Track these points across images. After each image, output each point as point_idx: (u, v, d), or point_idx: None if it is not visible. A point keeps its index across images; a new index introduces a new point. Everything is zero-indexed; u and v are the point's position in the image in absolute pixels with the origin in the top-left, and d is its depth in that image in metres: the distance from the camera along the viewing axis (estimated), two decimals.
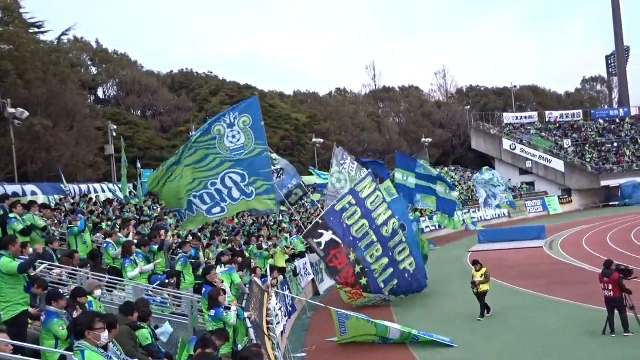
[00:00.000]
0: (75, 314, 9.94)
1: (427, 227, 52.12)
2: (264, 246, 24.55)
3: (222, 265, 15.52)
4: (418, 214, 49.30)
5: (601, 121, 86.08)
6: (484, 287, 19.91)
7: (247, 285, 15.40)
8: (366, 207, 23.75)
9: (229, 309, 11.73)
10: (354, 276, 22.99)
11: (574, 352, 14.92)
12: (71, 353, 6.97)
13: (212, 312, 11.53)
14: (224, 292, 12.47)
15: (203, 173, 16.63)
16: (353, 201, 23.60)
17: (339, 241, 22.91)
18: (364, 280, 23.14)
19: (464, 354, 15.75)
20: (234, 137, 16.76)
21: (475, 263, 20.50)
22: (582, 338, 16.18)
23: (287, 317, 19.66)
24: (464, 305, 22.37)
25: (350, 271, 22.97)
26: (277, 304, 17.06)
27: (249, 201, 16.73)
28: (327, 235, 22.87)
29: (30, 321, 10.38)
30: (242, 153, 16.64)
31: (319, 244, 22.89)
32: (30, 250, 13.34)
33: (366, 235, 23.42)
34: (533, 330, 17.53)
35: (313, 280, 27.71)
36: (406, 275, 24.14)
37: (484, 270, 20.10)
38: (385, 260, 23.56)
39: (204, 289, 13.27)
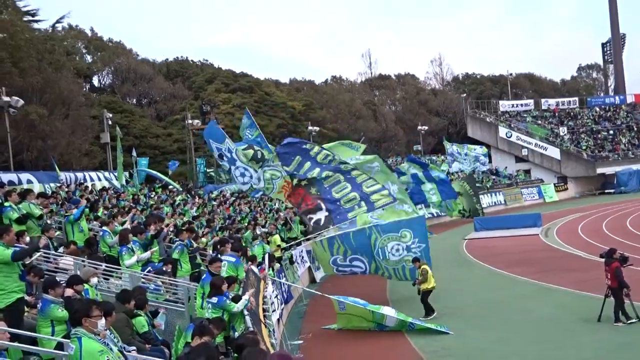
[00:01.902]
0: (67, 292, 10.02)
1: (424, 214, 51.94)
2: (258, 232, 24.59)
3: (219, 254, 15.55)
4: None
5: (597, 109, 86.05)
6: (423, 286, 19.21)
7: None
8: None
9: (232, 298, 11.70)
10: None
11: (568, 340, 14.97)
12: (68, 340, 6.98)
13: (214, 300, 11.49)
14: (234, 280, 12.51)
15: None
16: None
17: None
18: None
19: (459, 342, 15.79)
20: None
21: (414, 260, 20.18)
22: (577, 325, 16.22)
23: (283, 305, 19.69)
24: (459, 293, 22.45)
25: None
26: (273, 291, 17.09)
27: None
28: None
29: (26, 309, 10.39)
30: None
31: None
32: (27, 239, 13.33)
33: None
34: (528, 317, 17.58)
35: (309, 268, 27.74)
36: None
37: (421, 268, 19.49)
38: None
39: (204, 276, 13.27)
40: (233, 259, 14.87)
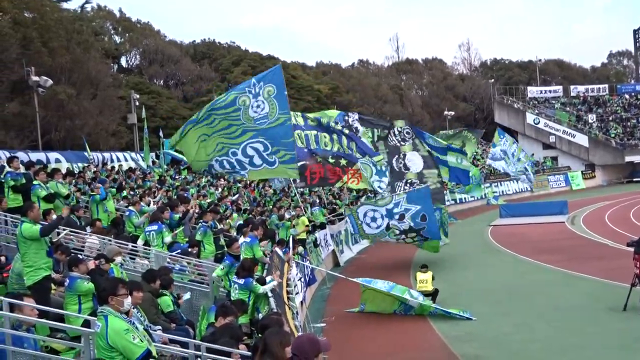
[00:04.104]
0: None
1: (447, 200, 51.41)
2: (287, 215, 24.62)
3: (242, 235, 15.61)
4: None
5: (627, 96, 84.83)
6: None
7: (269, 256, 15.48)
8: None
9: (256, 280, 11.77)
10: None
11: (593, 328, 14.86)
12: (94, 318, 7.06)
13: (241, 281, 11.55)
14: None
15: (227, 139, 16.77)
16: None
17: None
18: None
19: (482, 328, 15.75)
20: (258, 106, 16.83)
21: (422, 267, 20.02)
22: (602, 314, 16.09)
23: (306, 288, 19.76)
24: (483, 279, 22.39)
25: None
26: (296, 274, 17.16)
27: (271, 169, 16.94)
28: None
29: (54, 287, 10.54)
30: (265, 122, 16.72)
31: None
32: (54, 216, 13.48)
33: None
34: (553, 305, 17.47)
35: (333, 251, 27.80)
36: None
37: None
38: None
39: (225, 260, 13.38)
40: (248, 239, 14.89)
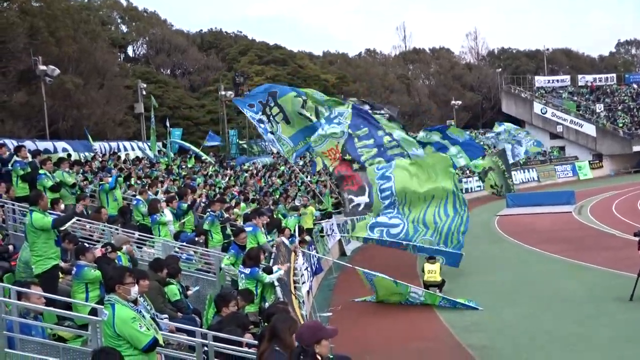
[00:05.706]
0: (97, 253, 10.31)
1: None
2: (297, 203, 24.60)
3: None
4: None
5: (635, 85, 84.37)
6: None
7: (274, 245, 15.51)
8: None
9: (263, 269, 11.78)
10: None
11: (600, 318, 14.84)
12: (101, 307, 7.09)
13: (247, 270, 11.56)
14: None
15: None
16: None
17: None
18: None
19: (489, 318, 15.74)
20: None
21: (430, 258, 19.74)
22: (609, 304, 16.06)
23: (313, 277, 19.76)
24: (490, 269, 22.36)
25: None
26: (303, 263, 17.18)
27: None
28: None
29: (61, 275, 10.61)
30: None
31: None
32: (62, 206, 13.55)
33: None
34: (559, 294, 17.44)
35: (340, 240, 27.79)
36: None
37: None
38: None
39: (231, 249, 13.42)
40: (250, 229, 14.91)
